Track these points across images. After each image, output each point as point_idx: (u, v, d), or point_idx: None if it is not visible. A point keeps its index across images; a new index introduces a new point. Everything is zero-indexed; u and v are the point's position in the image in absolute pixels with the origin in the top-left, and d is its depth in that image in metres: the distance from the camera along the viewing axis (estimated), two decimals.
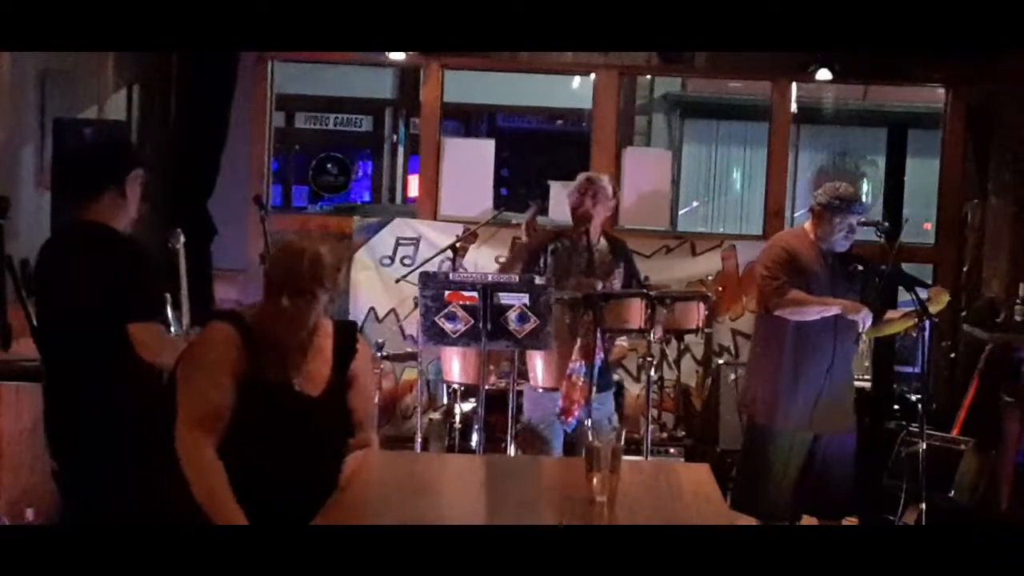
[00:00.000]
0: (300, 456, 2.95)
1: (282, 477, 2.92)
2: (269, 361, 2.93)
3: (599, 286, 5.05)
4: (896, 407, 6.10)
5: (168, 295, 4.07)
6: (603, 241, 5.34)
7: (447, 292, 4.64)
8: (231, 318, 2.95)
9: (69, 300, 3.62)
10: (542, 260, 5.23)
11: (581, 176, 5.42)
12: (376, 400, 6.28)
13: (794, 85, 7.35)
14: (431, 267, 6.01)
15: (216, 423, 2.84)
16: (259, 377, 2.90)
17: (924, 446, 4.84)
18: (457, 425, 5.72)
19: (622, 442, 3.01)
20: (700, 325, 5.15)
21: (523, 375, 5.17)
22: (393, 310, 6.94)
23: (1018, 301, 6.14)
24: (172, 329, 4.08)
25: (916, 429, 5.06)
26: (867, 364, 6.32)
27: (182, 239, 4.48)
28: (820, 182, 5.46)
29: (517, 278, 4.73)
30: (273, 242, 3.07)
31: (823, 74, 6.91)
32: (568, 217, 5.38)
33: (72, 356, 3.62)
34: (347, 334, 3.15)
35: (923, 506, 4.87)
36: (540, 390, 5.16)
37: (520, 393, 5.16)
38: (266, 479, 2.88)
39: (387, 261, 7.01)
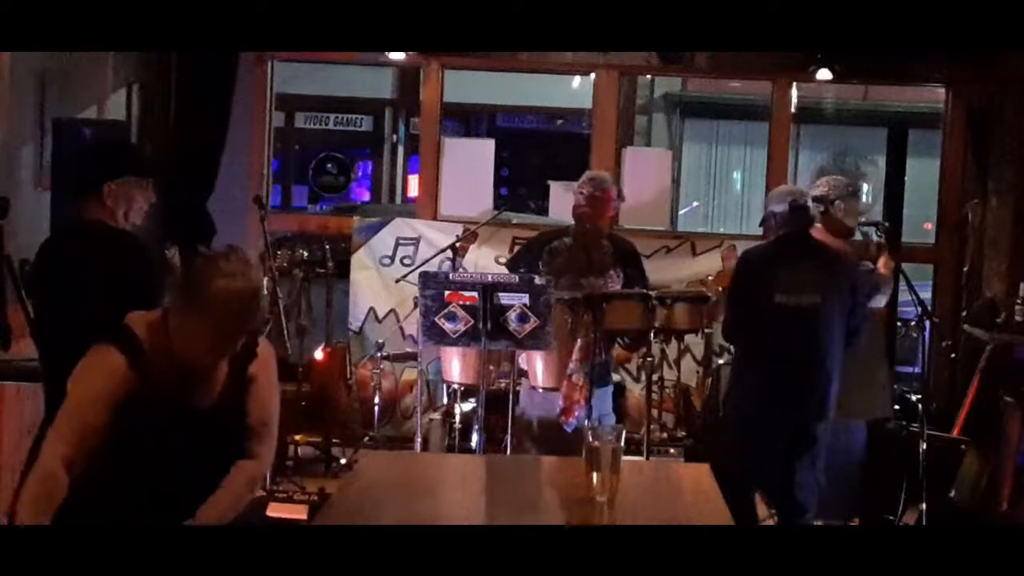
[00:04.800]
0: (187, 469, 2.91)
1: (170, 490, 2.88)
2: (162, 377, 2.86)
3: (602, 283, 5.05)
4: (896, 407, 6.10)
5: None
6: (606, 242, 5.32)
7: (447, 292, 4.65)
8: (121, 339, 2.85)
9: (69, 297, 3.62)
10: (541, 259, 5.23)
11: (587, 174, 5.41)
12: (376, 400, 6.31)
13: (794, 85, 7.34)
14: (431, 267, 6.00)
15: (81, 443, 2.80)
16: (146, 394, 2.84)
17: (924, 446, 4.83)
18: (457, 425, 5.72)
19: (622, 442, 3.00)
20: (700, 325, 5.15)
21: (523, 375, 5.17)
22: (393, 310, 6.94)
23: (1018, 301, 6.13)
24: None
25: (916, 429, 5.06)
26: None
27: (177, 252, 4.47)
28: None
29: (517, 278, 4.73)
30: (206, 269, 2.87)
31: (823, 74, 6.91)
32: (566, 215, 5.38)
33: (72, 354, 3.62)
34: (248, 339, 3.04)
35: (923, 506, 4.87)
36: (540, 390, 5.17)
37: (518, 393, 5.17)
38: (152, 492, 2.86)
39: (387, 261, 7.01)
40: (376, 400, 6.27)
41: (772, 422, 4.74)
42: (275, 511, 5.02)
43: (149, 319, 2.92)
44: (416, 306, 4.88)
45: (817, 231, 5.02)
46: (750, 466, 4.72)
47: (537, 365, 5.14)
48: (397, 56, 7.22)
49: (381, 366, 6.28)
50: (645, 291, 5.03)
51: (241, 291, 2.82)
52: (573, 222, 5.33)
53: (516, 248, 6.43)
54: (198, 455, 2.93)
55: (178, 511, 2.86)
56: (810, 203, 4.84)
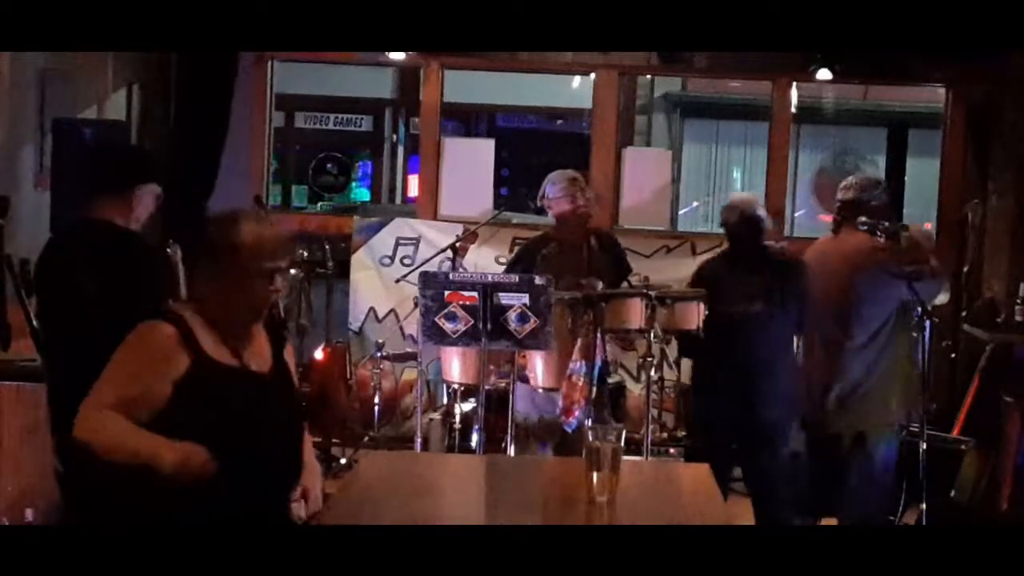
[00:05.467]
0: (270, 434, 2.95)
1: (257, 458, 2.89)
2: (221, 346, 2.91)
3: (599, 286, 5.05)
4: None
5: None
6: (592, 239, 5.37)
7: (447, 292, 4.64)
8: (170, 317, 2.88)
9: (72, 295, 3.62)
10: (535, 268, 5.23)
11: (563, 176, 5.40)
12: (376, 400, 6.31)
13: (794, 85, 7.34)
14: (431, 267, 6.00)
15: (125, 413, 2.79)
16: (212, 364, 2.87)
17: (924, 446, 4.83)
18: (457, 425, 5.72)
19: (622, 442, 3.00)
20: (700, 325, 5.15)
21: (523, 375, 5.17)
22: (393, 310, 6.93)
23: (1018, 301, 6.14)
24: None
25: (916, 429, 5.06)
26: None
27: (179, 251, 4.48)
28: (820, 182, 5.48)
29: (517, 278, 4.73)
30: (226, 225, 2.97)
31: (823, 74, 6.90)
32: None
33: (75, 353, 3.62)
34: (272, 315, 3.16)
35: (923, 506, 4.87)
36: (540, 390, 5.17)
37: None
38: (241, 462, 2.84)
39: (387, 261, 7.01)
40: (376, 400, 6.27)
41: (723, 426, 4.98)
42: None
43: (184, 301, 2.99)
44: (416, 306, 4.87)
45: (851, 232, 4.97)
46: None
47: (537, 365, 5.14)
48: (397, 56, 7.22)
49: (381, 366, 6.27)
50: (645, 291, 5.03)
51: (265, 231, 2.93)
52: (558, 225, 5.38)
53: (515, 249, 6.43)
54: (274, 417, 2.97)
55: (268, 477, 2.91)
56: (762, 212, 5.01)
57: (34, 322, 4.00)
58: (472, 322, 4.62)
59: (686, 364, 6.70)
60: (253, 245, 2.88)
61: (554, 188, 5.34)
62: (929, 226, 7.49)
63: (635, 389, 6.47)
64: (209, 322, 2.90)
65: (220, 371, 2.88)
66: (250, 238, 2.88)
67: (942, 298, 5.13)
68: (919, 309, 5.01)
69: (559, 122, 15.50)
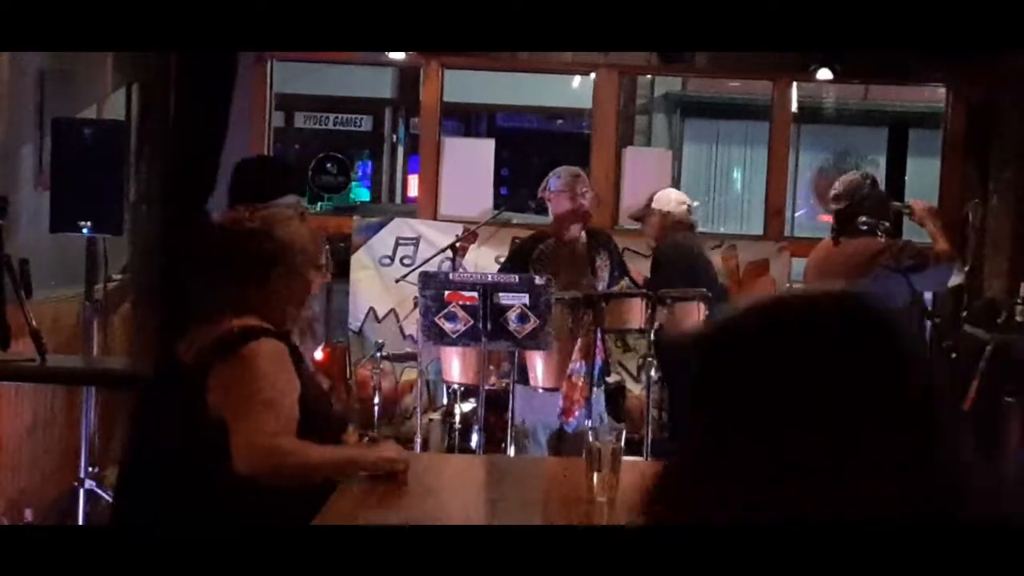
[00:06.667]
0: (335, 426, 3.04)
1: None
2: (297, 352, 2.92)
3: (600, 286, 5.06)
4: None
5: None
6: (583, 235, 5.39)
7: (447, 292, 4.65)
8: (273, 333, 2.82)
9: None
10: (530, 269, 5.24)
11: (568, 172, 5.41)
12: (376, 400, 6.31)
13: (795, 85, 7.34)
14: (431, 267, 6.00)
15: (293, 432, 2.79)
16: (306, 375, 2.89)
17: None
18: (457, 425, 5.72)
19: (622, 442, 3.00)
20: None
21: (523, 375, 5.17)
22: (393, 310, 6.93)
23: (1019, 301, 6.12)
24: None
25: None
26: None
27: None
28: (820, 182, 5.50)
29: (517, 278, 4.73)
30: (279, 229, 2.94)
31: (824, 73, 6.91)
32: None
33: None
34: None
35: None
36: (540, 390, 5.17)
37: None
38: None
39: (387, 261, 7.01)
40: (376, 400, 6.27)
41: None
42: None
43: (242, 313, 2.89)
44: (416, 306, 4.88)
45: (851, 237, 4.91)
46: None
47: (537, 365, 5.14)
48: (397, 56, 7.22)
49: (381, 366, 6.28)
50: (646, 291, 5.03)
51: (306, 224, 2.99)
52: (555, 222, 5.39)
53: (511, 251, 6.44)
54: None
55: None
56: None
57: (32, 322, 4.00)
58: (472, 322, 4.62)
59: None
60: (310, 240, 2.90)
61: (558, 181, 5.35)
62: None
63: (635, 389, 6.47)
64: (281, 331, 2.86)
65: (310, 380, 2.89)
66: (305, 234, 2.88)
67: (954, 280, 5.06)
68: (923, 305, 5.00)
69: (559, 122, 15.49)
